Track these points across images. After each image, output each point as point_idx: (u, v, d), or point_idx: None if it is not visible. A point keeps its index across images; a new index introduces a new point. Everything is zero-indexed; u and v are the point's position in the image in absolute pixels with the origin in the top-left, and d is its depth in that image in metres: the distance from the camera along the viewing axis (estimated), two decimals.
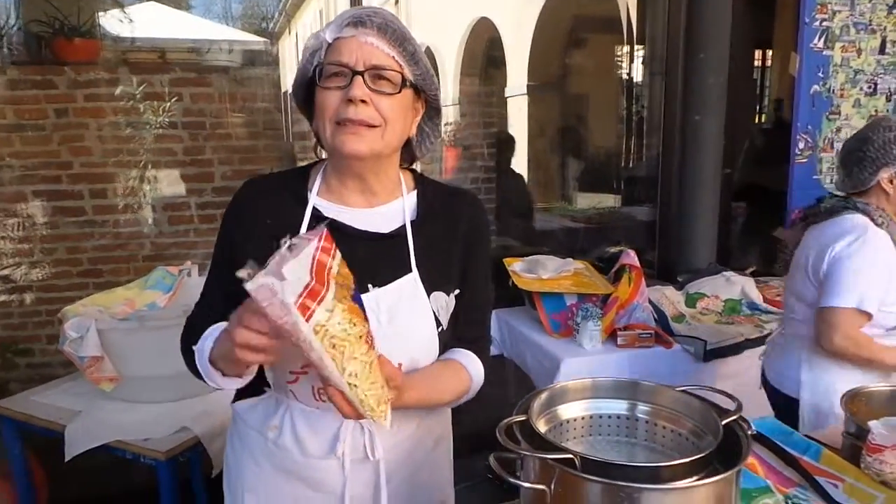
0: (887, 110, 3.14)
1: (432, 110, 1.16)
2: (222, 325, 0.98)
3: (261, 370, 1.13)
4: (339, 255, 0.86)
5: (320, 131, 1.06)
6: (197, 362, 1.03)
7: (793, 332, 1.87)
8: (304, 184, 1.14)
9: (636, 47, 4.26)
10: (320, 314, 0.79)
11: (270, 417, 1.14)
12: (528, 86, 5.83)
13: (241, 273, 0.76)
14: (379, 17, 1.03)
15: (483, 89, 5.50)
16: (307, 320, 0.77)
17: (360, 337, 0.84)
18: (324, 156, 1.18)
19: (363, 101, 1.01)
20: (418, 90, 1.10)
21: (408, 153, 1.19)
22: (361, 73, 1.01)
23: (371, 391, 0.86)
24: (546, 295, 2.37)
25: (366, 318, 0.88)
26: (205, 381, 1.09)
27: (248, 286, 0.75)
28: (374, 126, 1.03)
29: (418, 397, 1.07)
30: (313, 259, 0.80)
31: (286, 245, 0.79)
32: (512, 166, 4.35)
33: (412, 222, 1.14)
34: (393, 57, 1.04)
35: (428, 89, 1.11)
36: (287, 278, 0.75)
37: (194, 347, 1.04)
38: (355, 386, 0.84)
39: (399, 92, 1.04)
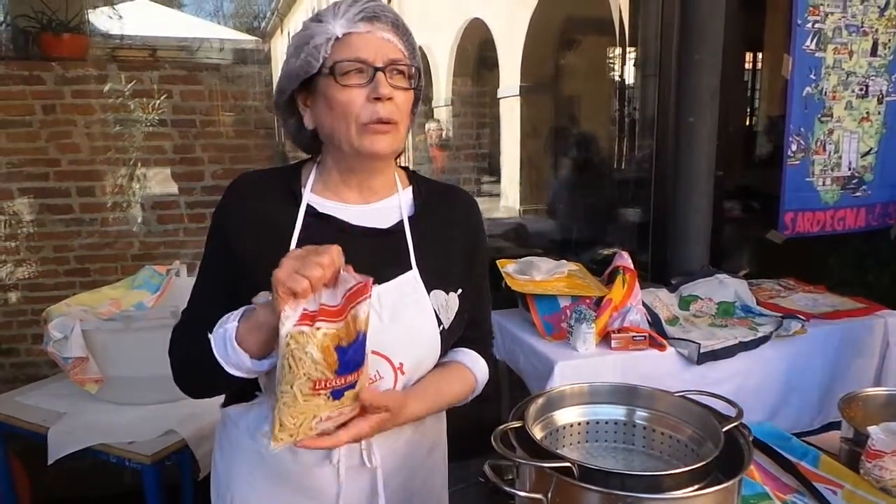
0: (879, 112, 3.14)
1: (417, 101, 1.15)
2: (237, 311, 0.95)
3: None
4: (366, 308, 0.85)
5: (339, 131, 1.02)
6: (214, 349, 0.93)
7: None
8: (297, 180, 1.12)
9: (628, 49, 4.26)
10: (304, 330, 0.82)
11: (262, 423, 1.10)
12: (520, 87, 5.83)
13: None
14: (389, 11, 1.02)
15: (476, 90, 5.50)
16: (294, 325, 0.82)
17: (312, 379, 0.84)
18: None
19: (389, 99, 1.00)
20: None
21: None
22: (383, 70, 0.99)
23: (284, 416, 0.86)
24: (539, 297, 2.34)
25: (340, 376, 0.86)
26: (201, 385, 1.06)
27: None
28: (395, 123, 1.02)
29: (423, 409, 1.08)
30: (347, 292, 0.84)
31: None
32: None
33: (409, 218, 1.12)
34: (403, 51, 1.03)
35: (420, 80, 1.10)
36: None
37: (210, 335, 0.94)
38: (276, 400, 0.86)
39: (411, 86, 1.04)
